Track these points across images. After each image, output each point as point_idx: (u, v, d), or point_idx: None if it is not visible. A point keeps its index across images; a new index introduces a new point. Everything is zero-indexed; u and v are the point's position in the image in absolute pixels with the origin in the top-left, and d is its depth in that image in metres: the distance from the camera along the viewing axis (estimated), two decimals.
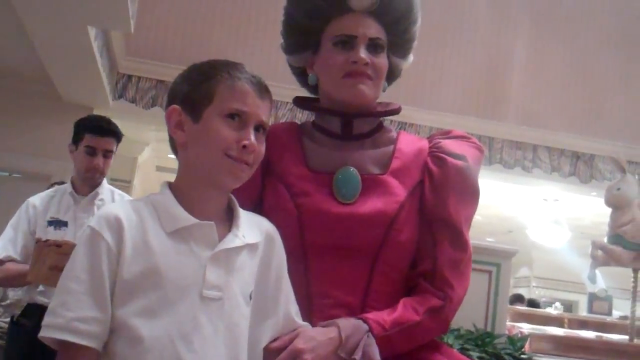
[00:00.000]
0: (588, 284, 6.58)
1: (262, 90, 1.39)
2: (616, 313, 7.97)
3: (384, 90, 1.68)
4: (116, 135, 3.27)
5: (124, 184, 7.18)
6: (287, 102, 6.50)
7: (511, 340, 4.54)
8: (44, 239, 2.87)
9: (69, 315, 1.23)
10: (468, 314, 4.19)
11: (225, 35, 7.12)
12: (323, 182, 1.57)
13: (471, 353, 4.04)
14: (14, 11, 4.57)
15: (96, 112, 6.56)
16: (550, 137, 7.80)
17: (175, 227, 1.32)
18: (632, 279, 5.60)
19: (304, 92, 1.80)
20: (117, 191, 3.38)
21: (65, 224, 3.14)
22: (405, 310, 1.50)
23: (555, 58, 7.95)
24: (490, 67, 7.76)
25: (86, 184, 3.24)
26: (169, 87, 1.47)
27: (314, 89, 1.73)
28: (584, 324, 6.45)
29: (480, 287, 4.42)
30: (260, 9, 6.93)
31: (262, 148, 1.40)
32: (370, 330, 1.44)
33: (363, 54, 1.59)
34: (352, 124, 1.65)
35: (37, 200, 3.22)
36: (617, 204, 5.56)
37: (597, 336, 5.77)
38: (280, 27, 1.74)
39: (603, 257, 5.70)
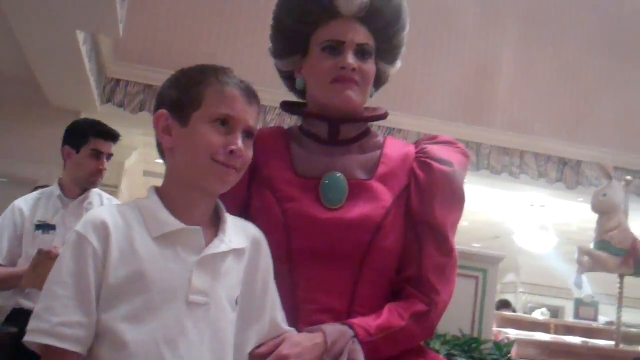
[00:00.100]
0: (574, 290, 6.61)
1: (250, 95, 1.40)
2: (602, 319, 8.00)
3: (370, 96, 1.68)
4: (117, 138, 3.31)
5: (111, 189, 7.14)
6: (276, 107, 6.50)
7: (497, 345, 4.54)
8: (45, 249, 2.86)
9: (54, 319, 1.23)
10: (454, 320, 4.18)
11: (214, 40, 7.12)
12: (309, 187, 1.57)
13: (458, 358, 4.04)
14: (3, 15, 4.56)
15: (84, 116, 6.54)
16: (537, 143, 7.84)
17: (161, 231, 1.32)
18: (618, 285, 5.62)
19: (292, 97, 1.80)
20: (105, 195, 3.38)
21: (53, 227, 3.13)
22: (390, 316, 1.50)
23: (542, 64, 8.00)
24: (477, 73, 7.79)
25: (78, 187, 3.23)
26: (157, 92, 1.47)
27: (301, 93, 1.73)
28: (570, 330, 6.48)
29: (467, 293, 4.42)
30: (249, 13, 6.93)
31: (250, 153, 1.40)
32: (356, 335, 1.44)
33: (351, 59, 1.59)
34: (339, 128, 1.65)
35: (22, 203, 3.19)
36: (603, 209, 5.59)
37: (583, 342, 5.78)
38: (269, 31, 1.74)
39: (589, 262, 5.73)
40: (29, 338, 1.24)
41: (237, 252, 1.39)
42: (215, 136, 1.34)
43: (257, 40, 6.32)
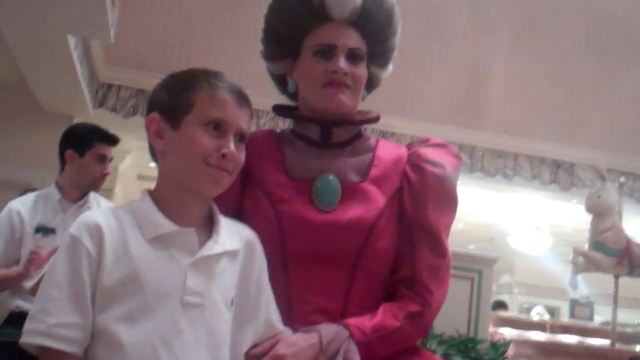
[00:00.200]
0: (570, 290, 6.62)
1: (242, 99, 1.40)
2: (598, 318, 8.02)
3: (363, 99, 1.69)
4: (118, 143, 3.36)
5: (106, 193, 7.11)
6: (269, 111, 6.50)
7: (494, 345, 4.55)
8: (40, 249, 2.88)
9: (50, 321, 1.23)
10: (451, 320, 4.20)
11: (206, 44, 7.11)
12: (302, 189, 1.58)
13: (454, 358, 4.05)
14: None
15: (76, 121, 6.53)
16: (530, 146, 7.86)
17: (155, 233, 1.32)
18: (613, 285, 5.64)
19: (284, 100, 1.80)
20: (103, 199, 3.40)
21: (53, 231, 3.13)
22: (385, 316, 1.51)
23: (535, 67, 8.02)
24: (471, 76, 7.80)
25: (79, 191, 3.24)
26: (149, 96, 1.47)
27: (293, 96, 1.73)
28: (566, 330, 6.49)
29: (463, 294, 4.43)
30: (241, 18, 6.93)
31: (242, 156, 1.41)
32: (351, 335, 1.45)
33: (342, 63, 1.60)
34: (332, 132, 1.66)
35: (20, 206, 3.18)
36: (597, 211, 5.61)
37: (578, 341, 5.80)
38: (261, 34, 1.74)
39: (584, 263, 5.75)
40: (25, 339, 1.25)
41: (231, 254, 1.39)
42: (208, 139, 1.34)
43: (249, 44, 6.32)
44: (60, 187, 3.25)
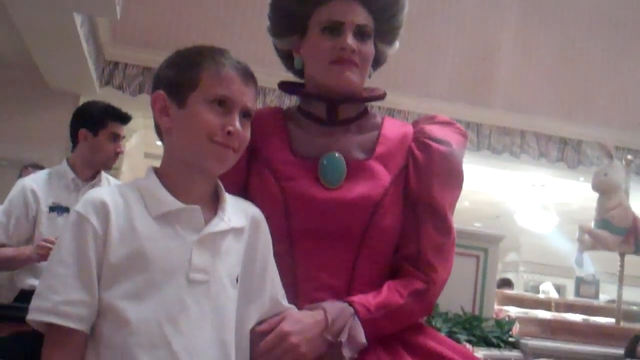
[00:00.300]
0: (576, 268, 6.63)
1: (248, 76, 1.40)
2: (603, 297, 8.03)
3: (369, 77, 1.69)
4: (130, 121, 3.38)
5: (113, 171, 7.15)
6: (275, 89, 6.49)
7: (499, 323, 4.57)
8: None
9: (56, 298, 1.24)
10: (456, 298, 4.22)
11: (212, 21, 7.09)
12: (308, 167, 1.58)
13: (459, 336, 4.07)
14: None
15: (83, 99, 6.53)
16: (538, 123, 7.84)
17: (160, 211, 1.33)
18: (619, 263, 5.64)
19: (291, 77, 1.80)
20: (112, 179, 3.42)
21: (67, 209, 3.14)
22: (390, 293, 1.51)
23: (543, 44, 7.98)
24: (478, 53, 7.77)
25: (91, 169, 3.26)
26: None
27: (299, 72, 1.73)
28: (571, 308, 6.50)
29: (468, 272, 4.45)
30: None
31: (247, 134, 1.41)
32: (356, 313, 1.45)
33: (350, 41, 1.59)
34: (338, 109, 1.65)
35: (33, 184, 3.18)
36: (604, 189, 5.60)
37: (584, 319, 5.81)
38: (268, 10, 1.74)
39: (590, 241, 5.75)
40: (31, 317, 1.26)
41: (236, 231, 1.40)
42: (213, 117, 1.34)
43: (256, 21, 6.31)
44: (72, 166, 3.25)
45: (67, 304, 1.24)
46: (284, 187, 1.55)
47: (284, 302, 1.46)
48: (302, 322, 1.41)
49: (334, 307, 1.44)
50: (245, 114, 1.39)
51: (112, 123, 3.23)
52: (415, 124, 1.72)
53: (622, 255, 5.63)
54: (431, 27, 7.52)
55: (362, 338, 1.43)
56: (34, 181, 3.21)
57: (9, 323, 2.73)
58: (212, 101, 1.35)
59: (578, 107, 7.93)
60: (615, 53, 8.11)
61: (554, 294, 9.58)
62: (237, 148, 1.38)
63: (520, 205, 10.51)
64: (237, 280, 1.38)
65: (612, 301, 6.42)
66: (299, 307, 1.47)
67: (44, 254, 2.86)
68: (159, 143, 1.46)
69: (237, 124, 1.36)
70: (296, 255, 1.53)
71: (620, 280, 5.60)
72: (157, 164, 1.45)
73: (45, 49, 5.68)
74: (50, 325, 1.25)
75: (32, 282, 3.07)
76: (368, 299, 1.49)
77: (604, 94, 7.96)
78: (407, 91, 7.28)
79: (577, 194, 9.32)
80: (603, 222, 5.59)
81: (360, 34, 1.62)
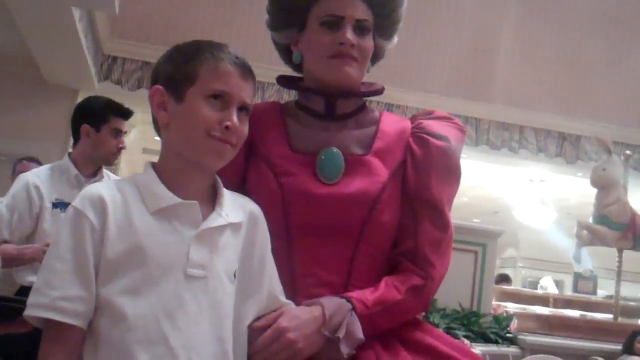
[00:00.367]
0: (574, 264, 6.64)
1: (246, 71, 1.40)
2: (601, 292, 8.05)
3: (367, 71, 1.68)
4: (131, 116, 3.37)
5: (111, 166, 7.15)
6: (274, 84, 6.48)
7: (497, 319, 4.58)
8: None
9: (54, 294, 1.24)
10: (454, 294, 4.23)
11: (211, 15, 7.08)
12: (306, 162, 1.58)
13: (457, 332, 4.08)
14: None
15: (82, 94, 6.53)
16: (536, 118, 7.84)
17: (158, 206, 1.33)
18: (617, 259, 5.65)
19: (290, 73, 1.79)
20: (113, 176, 3.42)
21: (69, 205, 3.12)
22: (387, 289, 1.51)
23: (542, 39, 7.97)
24: (477, 48, 7.76)
25: (93, 165, 3.25)
26: None
27: (298, 67, 1.73)
28: (569, 303, 6.52)
29: (466, 267, 4.46)
30: None
31: (245, 129, 1.41)
32: (354, 309, 1.45)
33: (350, 35, 1.58)
34: (336, 103, 1.65)
35: (37, 180, 3.16)
36: (602, 184, 5.60)
37: (581, 315, 5.83)
38: (267, 3, 1.73)
39: (588, 237, 5.76)
40: (29, 312, 1.26)
41: (234, 226, 1.40)
42: (211, 112, 1.34)
43: (255, 15, 6.30)
44: (74, 161, 3.25)
45: (64, 300, 1.24)
46: (282, 182, 1.55)
47: (282, 298, 1.46)
48: (299, 318, 1.41)
49: (331, 303, 1.44)
50: (243, 109, 1.39)
51: (114, 118, 3.22)
52: (413, 119, 1.72)
53: (620, 251, 5.64)
54: (430, 22, 7.51)
55: (359, 334, 1.43)
56: (37, 177, 3.20)
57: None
58: (209, 96, 1.35)
59: (577, 102, 7.93)
60: (614, 49, 8.10)
61: (553, 289, 9.60)
62: (235, 143, 1.38)
63: (519, 201, 10.52)
64: (234, 276, 1.38)
65: (610, 297, 6.43)
66: (297, 303, 1.47)
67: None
68: (158, 138, 1.46)
69: (235, 118, 1.36)
70: (294, 251, 1.53)
71: (618, 276, 5.61)
72: (156, 159, 1.44)
73: (44, 44, 5.66)
74: (47, 321, 1.25)
75: (32, 278, 3.06)
76: (366, 295, 1.49)
77: (603, 89, 7.96)
78: (406, 86, 7.27)
79: (576, 189, 9.34)
80: (601, 217, 5.60)
81: (360, 28, 1.61)
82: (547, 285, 10.00)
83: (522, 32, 7.95)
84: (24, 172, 4.50)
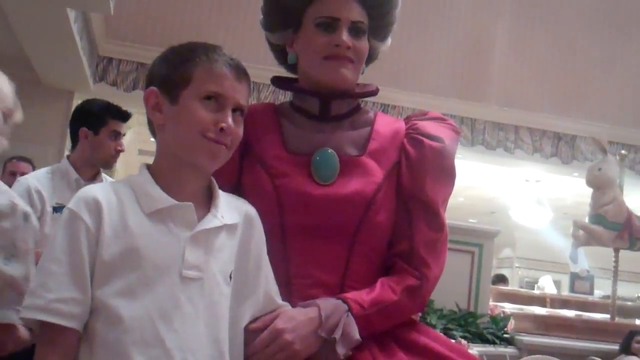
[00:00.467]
0: (570, 264, 6.65)
1: (240, 73, 1.40)
2: (598, 292, 8.05)
3: (362, 73, 1.68)
4: (130, 118, 3.36)
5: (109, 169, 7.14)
6: (269, 85, 6.48)
7: (494, 319, 4.59)
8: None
9: (49, 296, 1.24)
10: (451, 294, 4.23)
11: (206, 16, 7.07)
12: (301, 163, 1.58)
13: (454, 333, 4.08)
14: None
15: (77, 95, 6.52)
16: (532, 118, 7.85)
17: (153, 208, 1.33)
18: (614, 259, 5.66)
19: (285, 73, 1.79)
20: (110, 179, 3.40)
21: None
22: (383, 290, 1.51)
23: (537, 39, 7.98)
24: (472, 48, 7.77)
25: (92, 168, 3.23)
26: None
27: (292, 67, 1.73)
28: (566, 303, 6.52)
29: (463, 268, 4.46)
30: None
31: (240, 130, 1.41)
32: (350, 309, 1.46)
33: (345, 37, 1.59)
34: (331, 105, 1.65)
35: (37, 184, 3.12)
36: (598, 184, 5.61)
37: (577, 315, 5.83)
38: (262, 4, 1.73)
39: (584, 237, 5.76)
40: (24, 314, 1.26)
41: (230, 228, 1.40)
42: (205, 113, 1.35)
43: (250, 16, 6.29)
44: (73, 164, 3.24)
45: (59, 302, 1.24)
46: (277, 183, 1.55)
47: (278, 299, 1.46)
48: (295, 319, 1.41)
49: (327, 304, 1.44)
50: (238, 111, 1.39)
51: (112, 121, 3.21)
52: (407, 119, 1.72)
53: (616, 251, 5.64)
54: (425, 22, 7.52)
55: (355, 335, 1.43)
56: (38, 181, 3.18)
57: None
58: (204, 97, 1.35)
59: (572, 102, 7.94)
60: (609, 48, 8.11)
61: (551, 289, 9.61)
62: (230, 144, 1.38)
63: (515, 201, 10.53)
64: (230, 277, 1.38)
65: (607, 297, 6.44)
66: (293, 304, 1.47)
67: None
68: (154, 140, 1.45)
69: (230, 120, 1.36)
70: (289, 252, 1.53)
71: (615, 275, 5.62)
72: (151, 160, 1.44)
73: (39, 45, 5.65)
74: (43, 323, 1.25)
75: None
76: (362, 296, 1.49)
77: (598, 89, 7.97)
78: (402, 86, 7.28)
79: (572, 189, 9.35)
80: (597, 217, 5.60)
81: (355, 30, 1.61)
82: (545, 285, 10.01)
83: (517, 32, 7.96)
84: (14, 171, 4.50)
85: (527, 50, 7.97)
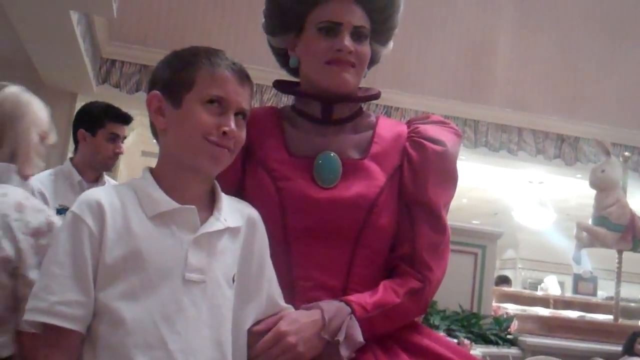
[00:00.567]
0: (574, 265, 6.65)
1: (243, 77, 1.40)
2: (601, 294, 8.04)
3: (364, 76, 1.69)
4: (131, 121, 3.36)
5: (109, 171, 7.14)
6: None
7: (497, 320, 4.59)
8: None
9: (52, 298, 1.24)
10: (454, 295, 4.23)
11: (209, 19, 7.08)
12: (304, 167, 1.58)
13: (457, 334, 4.08)
14: None
15: (80, 97, 6.52)
16: (535, 120, 7.84)
17: (156, 211, 1.33)
18: (617, 260, 5.65)
19: (288, 76, 1.79)
20: (112, 182, 3.40)
21: None
22: (385, 293, 1.52)
23: (539, 41, 7.97)
24: (475, 50, 7.76)
25: (94, 170, 3.23)
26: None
27: (294, 70, 1.73)
28: (569, 305, 6.51)
29: (466, 269, 4.46)
30: None
31: (243, 134, 1.41)
32: (353, 312, 1.46)
33: (348, 42, 1.59)
34: (333, 108, 1.65)
35: (41, 186, 3.11)
36: (601, 186, 5.60)
37: (580, 316, 5.83)
38: (264, 7, 1.73)
39: (588, 238, 5.76)
40: (28, 317, 1.26)
41: (232, 231, 1.40)
42: (208, 117, 1.35)
43: (253, 18, 6.30)
44: (76, 167, 3.24)
45: (63, 305, 1.24)
46: (280, 186, 1.55)
47: (281, 302, 1.47)
48: (299, 321, 1.41)
49: (330, 307, 1.45)
50: (241, 114, 1.40)
51: (110, 123, 3.20)
52: (409, 123, 1.72)
53: (619, 252, 5.64)
54: (428, 24, 7.52)
55: (359, 337, 1.43)
56: (41, 183, 3.18)
57: None
58: (207, 101, 1.35)
59: (575, 104, 7.93)
60: (612, 50, 8.10)
61: (555, 290, 9.59)
62: (233, 148, 1.38)
63: (518, 202, 10.52)
64: (233, 280, 1.38)
65: (610, 298, 6.43)
66: (296, 307, 1.48)
67: None
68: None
69: (233, 124, 1.36)
70: (292, 255, 1.53)
71: (618, 277, 5.61)
72: (155, 162, 1.45)
73: (42, 47, 5.66)
74: (46, 326, 1.25)
75: None
76: (365, 298, 1.49)
77: (601, 90, 7.96)
78: (405, 88, 7.27)
79: (575, 190, 9.34)
80: (601, 219, 5.59)
81: (357, 34, 1.61)
82: (548, 286, 9.99)
83: (520, 34, 7.95)
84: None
85: (530, 52, 7.97)
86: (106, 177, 3.33)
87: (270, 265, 1.47)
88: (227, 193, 1.45)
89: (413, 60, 7.39)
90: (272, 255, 1.47)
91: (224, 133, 1.35)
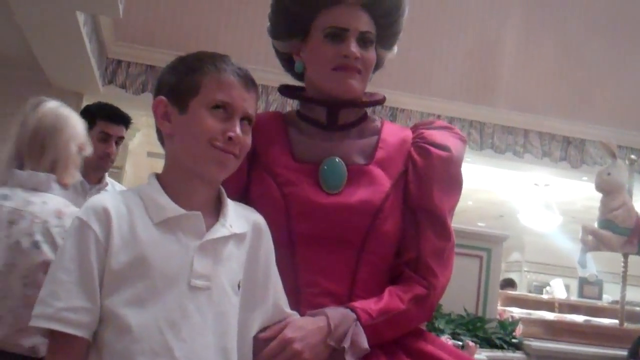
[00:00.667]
0: (579, 269, 6.62)
1: (248, 82, 1.40)
2: (607, 297, 8.02)
3: (369, 81, 1.68)
4: (128, 122, 3.29)
5: (116, 170, 7.14)
6: None
7: (502, 324, 4.57)
8: None
9: (59, 305, 1.24)
10: (459, 299, 4.21)
11: (215, 19, 7.08)
12: (309, 172, 1.58)
13: (462, 337, 4.06)
14: None
15: (86, 98, 6.53)
16: (541, 122, 7.82)
17: (162, 217, 1.33)
18: (623, 264, 5.62)
19: (293, 80, 1.79)
20: (118, 185, 3.38)
21: None
22: (391, 299, 1.51)
23: (546, 43, 7.95)
24: (481, 52, 7.75)
25: (94, 172, 3.21)
26: (158, 74, 1.48)
27: (299, 75, 1.72)
28: (574, 308, 6.48)
29: (471, 272, 4.44)
30: None
31: (249, 139, 1.41)
32: (358, 319, 1.46)
33: (354, 48, 1.59)
34: (338, 114, 1.65)
35: None
36: (607, 188, 5.57)
37: (587, 320, 5.80)
38: (269, 11, 1.73)
39: (593, 241, 5.73)
40: (34, 323, 1.26)
41: (238, 237, 1.40)
42: (214, 122, 1.35)
43: (259, 19, 6.29)
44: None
45: (69, 311, 1.24)
46: (285, 192, 1.55)
47: (287, 308, 1.46)
48: (304, 328, 1.41)
49: (336, 313, 1.45)
50: (247, 120, 1.40)
51: (101, 121, 3.15)
52: (414, 128, 1.72)
53: (625, 256, 5.61)
54: (434, 26, 7.51)
55: (364, 343, 1.43)
56: None
57: None
58: (212, 107, 1.35)
59: (581, 106, 7.91)
60: (618, 52, 8.08)
61: (561, 293, 9.56)
62: (238, 154, 1.39)
63: (524, 205, 10.49)
64: (239, 287, 1.38)
65: (616, 302, 6.40)
66: (301, 313, 1.47)
67: None
68: None
69: (238, 129, 1.36)
70: (297, 261, 1.53)
71: (624, 281, 5.58)
72: (161, 163, 1.45)
73: (48, 48, 5.67)
74: (52, 332, 1.25)
75: None
76: (370, 305, 1.49)
77: (608, 93, 7.94)
78: (410, 90, 7.27)
79: (581, 193, 9.31)
80: (606, 222, 5.57)
81: (363, 40, 1.61)
82: (555, 289, 9.96)
83: (526, 35, 7.94)
84: None
85: (536, 54, 7.95)
86: (109, 179, 3.30)
87: (276, 272, 1.46)
88: (232, 199, 1.45)
89: (419, 62, 7.38)
90: (277, 261, 1.47)
91: (230, 138, 1.35)
